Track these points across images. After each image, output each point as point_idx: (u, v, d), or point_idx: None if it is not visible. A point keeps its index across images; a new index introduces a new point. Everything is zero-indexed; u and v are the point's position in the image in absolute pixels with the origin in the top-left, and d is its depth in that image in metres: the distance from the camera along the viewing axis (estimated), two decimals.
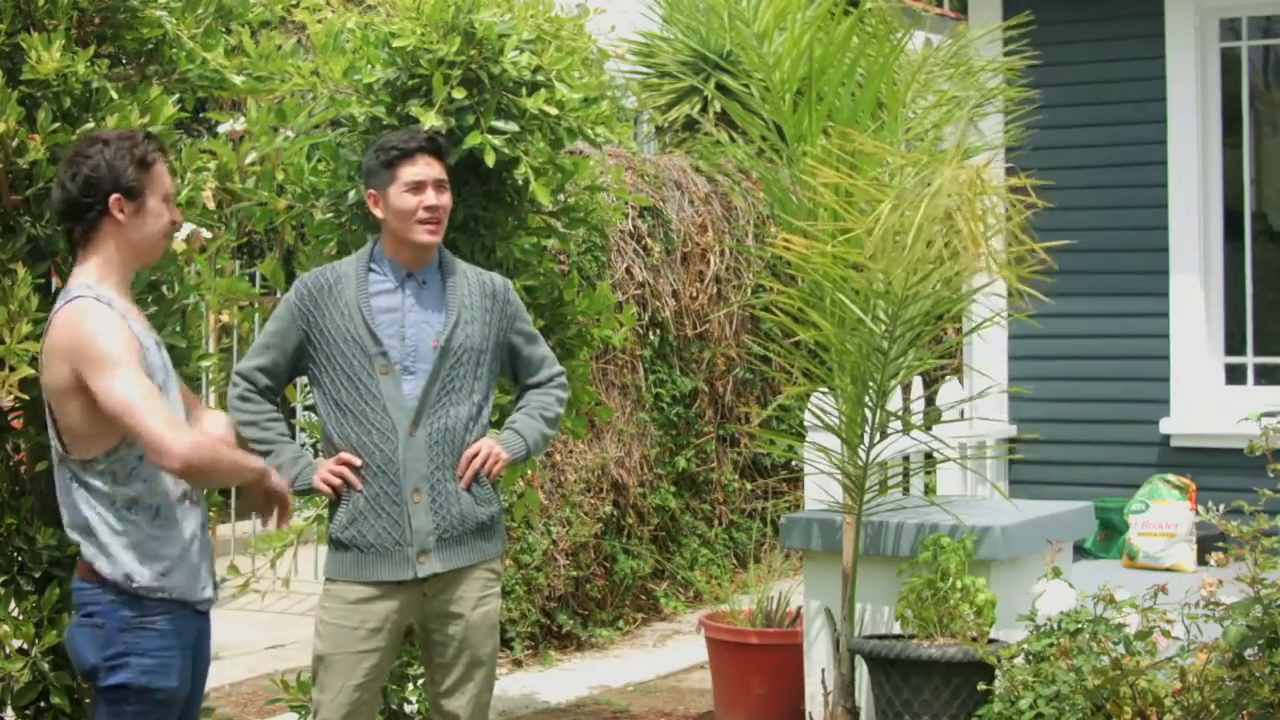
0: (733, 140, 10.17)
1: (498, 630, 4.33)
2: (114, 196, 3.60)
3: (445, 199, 4.20)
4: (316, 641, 4.20)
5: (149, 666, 3.57)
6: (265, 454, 4.17)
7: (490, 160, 4.70)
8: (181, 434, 3.53)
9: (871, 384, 5.18)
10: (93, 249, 3.64)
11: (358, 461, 4.13)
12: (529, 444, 4.30)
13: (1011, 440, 7.56)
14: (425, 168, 4.18)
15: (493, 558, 4.27)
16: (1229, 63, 7.48)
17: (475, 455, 4.18)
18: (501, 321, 4.30)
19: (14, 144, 4.19)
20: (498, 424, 4.57)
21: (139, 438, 3.53)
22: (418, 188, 4.17)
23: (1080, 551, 7.08)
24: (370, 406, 4.13)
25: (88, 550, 3.59)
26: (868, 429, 5.26)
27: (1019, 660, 4.69)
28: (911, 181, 4.72)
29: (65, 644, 3.71)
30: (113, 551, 3.57)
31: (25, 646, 4.31)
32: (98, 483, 3.58)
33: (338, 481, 4.14)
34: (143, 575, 3.57)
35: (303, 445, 5.52)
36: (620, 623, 8.39)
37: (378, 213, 4.25)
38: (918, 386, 7.52)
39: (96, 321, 3.53)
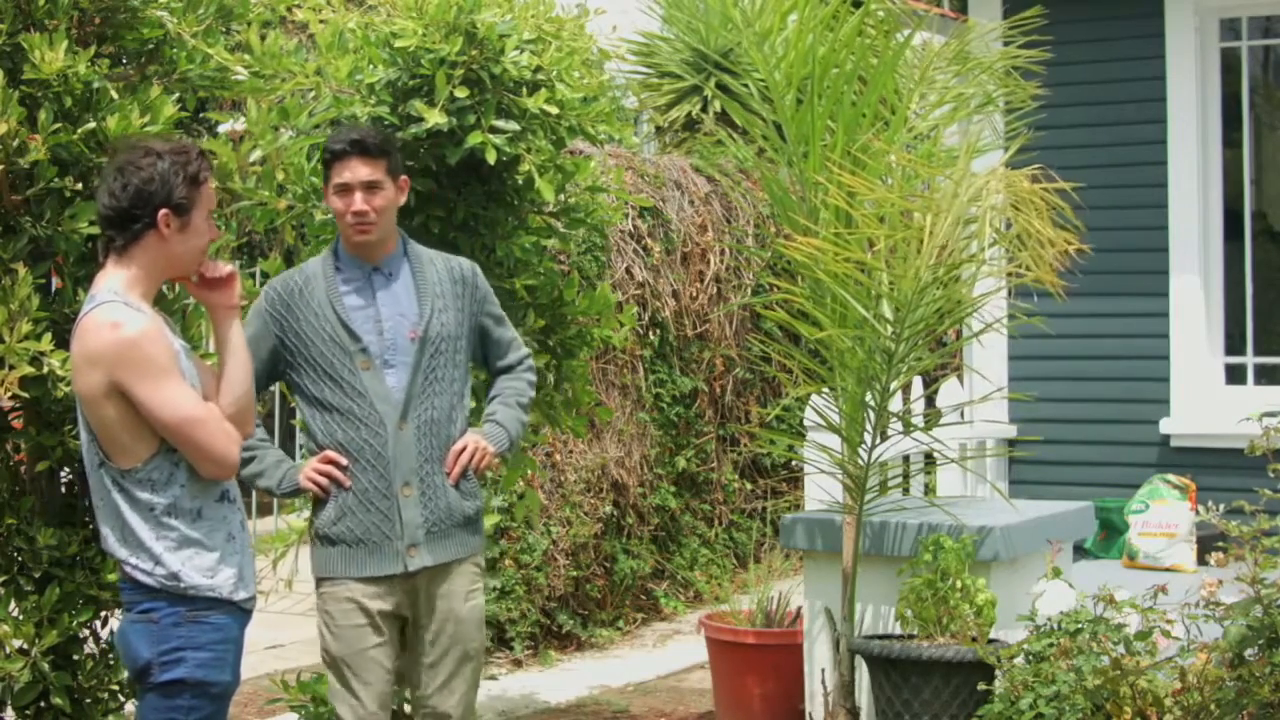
0: (732, 139, 10.16)
1: (484, 626, 4.33)
2: (163, 211, 3.58)
3: (378, 200, 4.17)
4: (331, 644, 4.19)
5: (204, 660, 3.59)
6: (247, 460, 4.13)
7: (491, 158, 4.71)
8: (233, 446, 3.61)
9: (875, 384, 5.18)
10: (130, 258, 3.61)
11: (344, 461, 4.13)
12: (512, 436, 4.33)
13: (1011, 440, 7.56)
14: (350, 172, 4.16)
15: (477, 552, 4.29)
16: (1229, 63, 7.48)
17: (462, 450, 4.20)
18: (473, 305, 4.32)
19: (15, 144, 4.18)
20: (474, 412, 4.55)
21: (193, 451, 3.56)
22: (344, 191, 4.17)
23: (1080, 551, 7.08)
24: (356, 403, 4.13)
25: (130, 557, 3.59)
26: (869, 429, 5.26)
27: (1019, 660, 4.68)
28: (965, 196, 4.71)
29: (115, 641, 3.72)
30: (158, 554, 3.57)
31: (25, 646, 4.31)
32: (138, 491, 3.58)
33: (325, 481, 4.14)
34: (190, 576, 3.58)
35: (300, 446, 5.51)
36: (620, 623, 8.39)
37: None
38: (917, 386, 7.52)
39: (135, 327, 3.51)
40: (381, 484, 4.12)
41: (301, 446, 6.03)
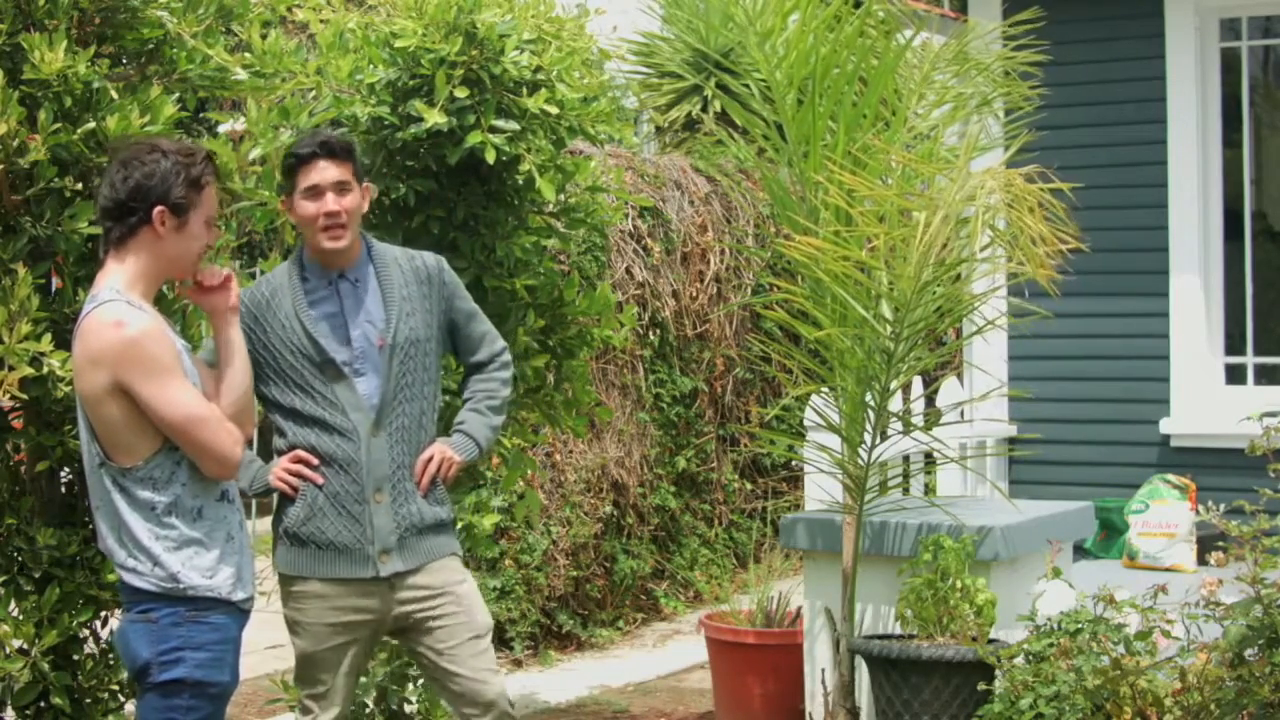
0: (733, 139, 10.17)
1: (485, 605, 4.30)
2: (159, 208, 3.59)
3: (348, 200, 4.15)
4: (299, 643, 4.19)
5: (203, 660, 3.60)
6: None
7: (491, 158, 4.71)
8: (236, 446, 3.62)
9: (875, 384, 5.18)
10: (126, 254, 3.62)
11: (314, 460, 4.13)
12: (480, 444, 4.30)
13: (1011, 440, 7.56)
14: (319, 174, 4.14)
15: (454, 550, 4.27)
16: (1229, 63, 7.48)
17: (429, 460, 4.19)
18: (441, 303, 4.30)
19: (15, 144, 4.18)
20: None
21: (196, 450, 3.57)
22: (315, 193, 4.15)
23: (1080, 551, 7.09)
24: (328, 412, 4.11)
25: (128, 559, 3.58)
26: (869, 429, 5.26)
27: (1019, 660, 4.69)
28: (960, 193, 4.70)
29: (115, 641, 3.73)
30: (156, 555, 3.57)
31: (25, 646, 4.31)
32: (139, 490, 3.58)
33: (296, 481, 4.13)
34: (190, 577, 3.59)
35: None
36: (620, 623, 8.39)
37: (291, 219, 4.27)
38: (917, 386, 7.52)
39: (139, 326, 3.52)
40: (354, 489, 4.11)
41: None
